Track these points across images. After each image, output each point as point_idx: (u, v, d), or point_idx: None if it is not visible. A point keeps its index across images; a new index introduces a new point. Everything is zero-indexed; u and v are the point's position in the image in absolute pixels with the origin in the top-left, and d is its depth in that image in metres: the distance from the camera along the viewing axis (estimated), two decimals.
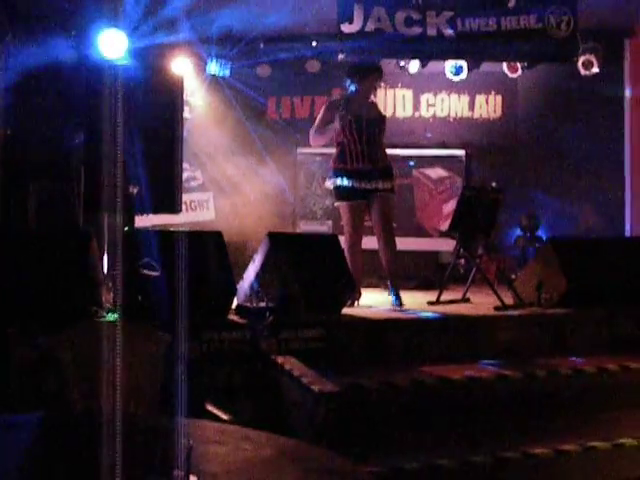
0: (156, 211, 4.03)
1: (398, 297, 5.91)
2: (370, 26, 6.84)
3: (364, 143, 5.82)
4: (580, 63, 8.27)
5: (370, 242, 6.24)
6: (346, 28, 6.81)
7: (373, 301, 6.13)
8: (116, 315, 4.06)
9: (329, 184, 6.11)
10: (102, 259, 4.80)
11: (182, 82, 4.19)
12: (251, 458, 1.73)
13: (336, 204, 6.08)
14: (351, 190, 5.84)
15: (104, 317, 4.20)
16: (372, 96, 6.13)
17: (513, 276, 6.83)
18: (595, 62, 8.32)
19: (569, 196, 8.91)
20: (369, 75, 6.01)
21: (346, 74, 6.13)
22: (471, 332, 5.07)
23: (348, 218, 5.90)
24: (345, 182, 5.85)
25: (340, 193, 5.92)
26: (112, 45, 5.86)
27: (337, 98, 6.16)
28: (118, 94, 4.05)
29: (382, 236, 5.94)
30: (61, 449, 1.87)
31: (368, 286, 6.52)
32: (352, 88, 6.02)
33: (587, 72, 8.37)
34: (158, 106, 4.00)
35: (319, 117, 6.03)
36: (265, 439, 1.86)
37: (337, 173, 5.92)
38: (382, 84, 6.34)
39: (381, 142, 6.00)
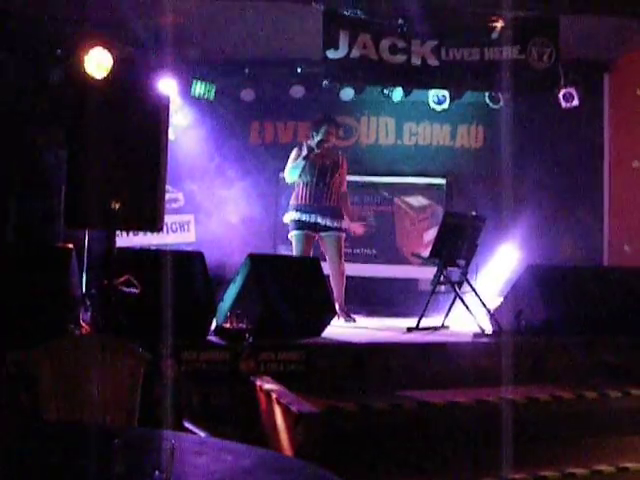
0: (138, 228, 4.02)
1: (349, 315, 6.67)
2: (355, 53, 6.89)
3: (314, 185, 6.69)
4: (561, 95, 8.40)
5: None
6: (331, 54, 6.85)
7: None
8: (94, 332, 4.02)
9: (285, 217, 6.89)
10: (81, 276, 4.76)
11: (168, 100, 4.18)
12: (231, 468, 1.70)
13: (289, 235, 6.82)
14: (299, 222, 6.68)
15: (81, 334, 4.16)
16: (330, 144, 6.82)
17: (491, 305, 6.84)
18: (575, 95, 8.45)
19: (548, 226, 8.98)
20: (323, 125, 6.75)
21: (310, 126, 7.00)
22: (450, 358, 5.07)
23: (298, 246, 6.70)
24: (295, 215, 6.72)
25: (292, 225, 6.76)
26: (98, 63, 5.89)
27: (303, 146, 6.74)
28: (102, 111, 4.05)
29: (332, 268, 6.75)
30: (40, 460, 1.84)
31: None
32: (313, 137, 6.75)
33: (568, 105, 8.49)
34: (143, 123, 3.99)
35: (292, 158, 6.80)
36: (245, 450, 1.84)
37: (291, 207, 6.82)
38: (340, 132, 7.35)
39: (333, 185, 6.77)
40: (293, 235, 6.75)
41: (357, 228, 7.13)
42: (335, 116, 7.28)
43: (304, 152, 6.65)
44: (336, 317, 6.11)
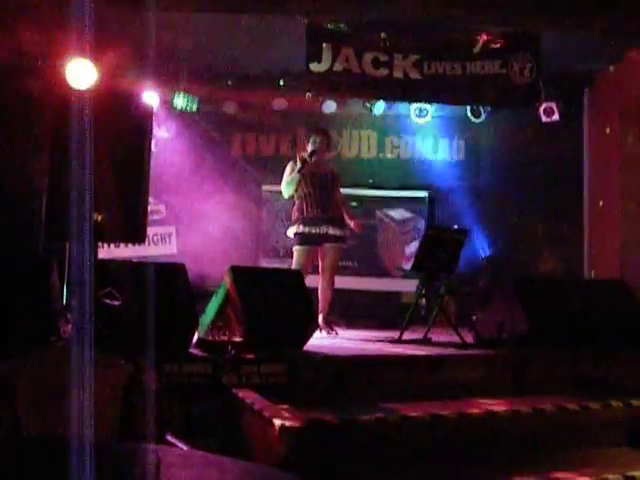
0: (121, 239, 4.00)
1: (332, 328, 6.68)
2: (338, 66, 6.93)
3: (317, 195, 6.65)
4: (541, 110, 8.49)
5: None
6: (314, 67, 6.88)
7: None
8: (75, 343, 3.98)
9: (289, 232, 6.81)
10: (62, 288, 4.72)
11: (152, 111, 4.18)
12: None
13: (295, 248, 6.69)
14: (307, 236, 6.58)
15: (62, 346, 4.11)
16: (323, 154, 6.87)
17: (473, 318, 6.87)
18: (556, 109, 8.55)
19: (529, 238, 9.04)
20: (311, 134, 6.82)
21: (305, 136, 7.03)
22: (432, 371, 5.06)
23: (297, 260, 6.61)
24: (301, 229, 6.62)
25: (297, 239, 6.65)
26: (80, 75, 5.86)
27: (298, 158, 6.69)
28: (85, 123, 4.03)
29: (324, 279, 6.72)
30: (20, 475, 1.81)
31: None
32: (309, 148, 6.76)
33: (548, 119, 8.59)
34: (127, 134, 3.98)
35: (287, 172, 6.74)
36: (230, 464, 1.82)
37: (296, 221, 6.71)
38: (329, 143, 7.08)
39: (333, 195, 6.77)
40: (298, 249, 6.64)
41: (357, 226, 7.04)
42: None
43: (298, 165, 6.61)
44: (318, 330, 6.13)
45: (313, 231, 6.57)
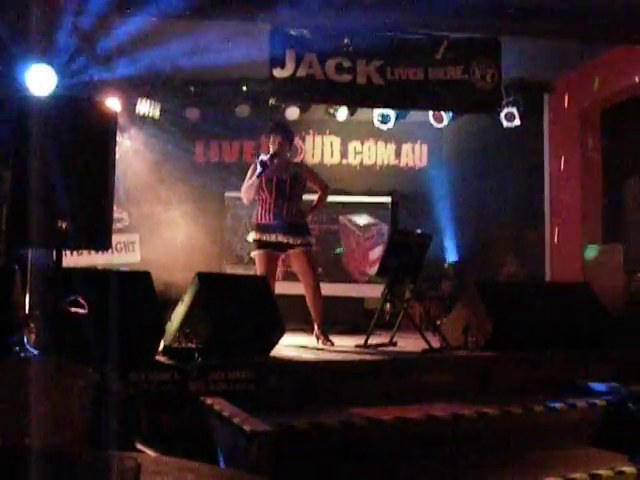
0: (85, 247, 3.95)
1: (328, 339, 6.33)
2: (301, 72, 6.93)
3: (277, 200, 6.31)
4: (503, 115, 8.60)
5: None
6: (278, 73, 6.87)
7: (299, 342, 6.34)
8: (39, 353, 3.93)
9: (249, 237, 6.53)
10: (25, 296, 4.65)
11: (116, 116, 4.13)
12: None
13: (252, 254, 6.50)
14: (262, 242, 6.31)
15: (26, 356, 4.06)
16: (284, 155, 6.51)
17: (438, 322, 6.92)
18: (517, 115, 8.67)
19: (493, 243, 9.14)
20: (270, 134, 6.46)
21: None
22: (399, 375, 5.09)
23: (259, 266, 6.35)
24: (256, 235, 6.34)
25: (254, 244, 6.39)
26: (41, 80, 5.79)
27: (262, 159, 6.31)
28: (46, 129, 3.98)
29: (306, 288, 6.43)
30: None
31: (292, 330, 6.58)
32: (270, 150, 6.42)
33: (509, 124, 8.71)
34: (90, 140, 3.93)
35: (248, 176, 6.40)
36: (206, 470, 1.81)
37: (252, 227, 6.48)
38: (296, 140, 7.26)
39: (295, 200, 6.42)
40: (255, 255, 6.37)
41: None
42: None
43: (258, 169, 6.22)
44: (316, 341, 6.31)
45: (265, 238, 6.28)
